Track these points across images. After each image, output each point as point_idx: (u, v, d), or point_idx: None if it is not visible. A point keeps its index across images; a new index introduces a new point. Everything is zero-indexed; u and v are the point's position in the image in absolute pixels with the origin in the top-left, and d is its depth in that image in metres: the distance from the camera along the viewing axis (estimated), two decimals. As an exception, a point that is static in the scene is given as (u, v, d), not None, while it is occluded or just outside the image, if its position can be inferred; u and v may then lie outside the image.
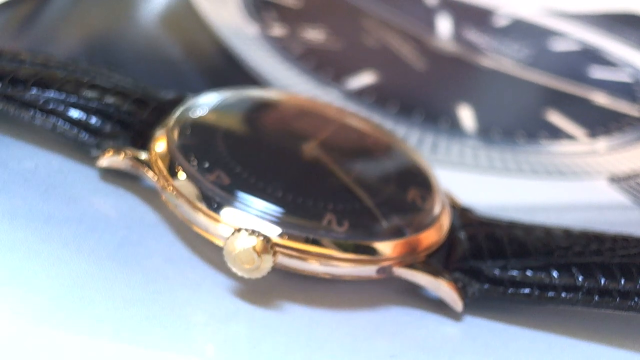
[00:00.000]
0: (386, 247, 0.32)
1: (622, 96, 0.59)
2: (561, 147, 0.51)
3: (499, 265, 0.33)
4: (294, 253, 0.31)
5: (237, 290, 0.32)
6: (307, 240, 0.31)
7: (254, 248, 0.30)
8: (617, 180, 0.47)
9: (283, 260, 0.31)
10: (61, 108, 0.35)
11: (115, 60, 0.49)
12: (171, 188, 0.33)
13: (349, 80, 0.54)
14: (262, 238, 0.30)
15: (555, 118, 0.54)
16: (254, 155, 0.35)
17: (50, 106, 0.35)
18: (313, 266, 0.32)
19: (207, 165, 0.33)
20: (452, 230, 0.35)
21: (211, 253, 0.33)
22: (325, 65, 0.55)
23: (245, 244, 0.30)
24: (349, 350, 0.31)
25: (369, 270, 0.32)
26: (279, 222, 0.31)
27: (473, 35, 0.65)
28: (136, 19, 0.55)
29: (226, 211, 0.31)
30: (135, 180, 0.36)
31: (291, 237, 0.31)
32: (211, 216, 0.32)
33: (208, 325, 0.30)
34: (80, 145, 0.35)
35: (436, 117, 0.51)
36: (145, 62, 0.50)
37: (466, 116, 0.52)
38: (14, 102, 0.35)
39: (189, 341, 0.29)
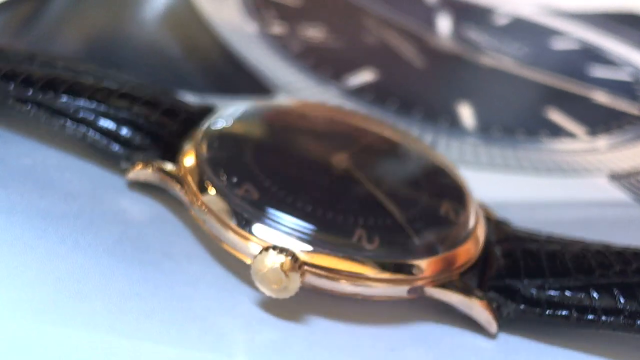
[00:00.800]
0: (418, 266, 0.31)
1: (622, 95, 0.59)
2: (561, 144, 0.50)
3: (536, 284, 0.32)
4: (323, 272, 0.30)
5: (236, 285, 0.32)
6: (336, 259, 0.30)
7: (281, 267, 0.29)
8: (618, 177, 0.47)
9: (311, 279, 0.30)
10: (91, 117, 0.35)
11: (115, 59, 0.49)
12: (200, 203, 0.32)
13: (348, 78, 0.54)
14: (290, 257, 0.29)
15: (556, 116, 0.54)
16: (283, 169, 0.34)
17: (81, 115, 0.35)
18: (342, 286, 0.30)
19: (235, 179, 0.32)
20: (487, 245, 0.34)
21: (210, 248, 0.33)
22: (324, 63, 0.55)
23: (273, 262, 0.29)
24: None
25: (399, 291, 0.31)
26: (307, 238, 0.30)
27: (473, 34, 0.65)
28: (136, 17, 0.55)
29: (255, 228, 0.31)
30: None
31: (320, 255, 0.30)
32: (239, 233, 0.31)
33: (206, 320, 0.30)
34: (110, 156, 0.35)
35: (436, 115, 0.51)
36: (145, 60, 0.50)
37: (466, 114, 0.52)
38: (46, 110, 0.35)
39: (186, 336, 0.29)
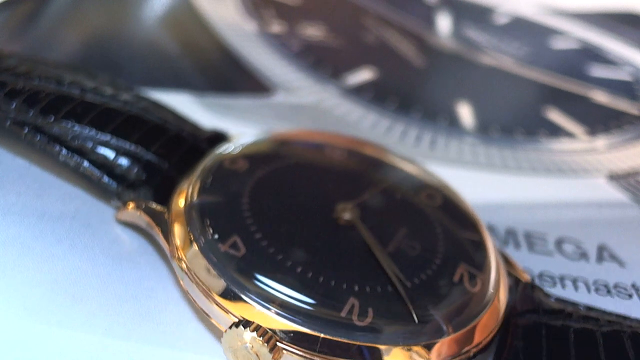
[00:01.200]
0: (418, 352, 0.26)
1: (622, 94, 0.59)
2: (560, 144, 0.50)
3: None
4: (302, 353, 0.26)
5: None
6: (315, 342, 0.26)
7: (252, 346, 0.26)
8: (616, 177, 0.47)
9: (288, 359, 0.26)
10: (89, 145, 0.32)
11: (113, 57, 0.49)
12: (180, 258, 0.29)
13: (347, 77, 0.53)
14: (262, 336, 0.26)
15: (555, 116, 0.54)
16: (277, 219, 0.30)
17: (79, 142, 0.32)
18: None
19: (222, 231, 0.29)
20: (509, 316, 0.29)
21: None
22: (324, 62, 0.55)
23: (243, 341, 0.26)
24: None
25: None
26: (289, 312, 0.26)
27: (473, 33, 0.65)
28: (135, 16, 0.55)
29: (230, 296, 0.27)
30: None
31: (300, 334, 0.26)
32: (215, 300, 0.27)
33: (201, 322, 0.30)
34: (102, 190, 0.33)
35: (435, 114, 0.51)
36: (144, 59, 0.50)
37: (465, 113, 0.52)
38: (43, 135, 0.32)
39: (182, 337, 0.29)
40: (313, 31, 0.59)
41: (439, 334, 0.27)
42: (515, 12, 0.70)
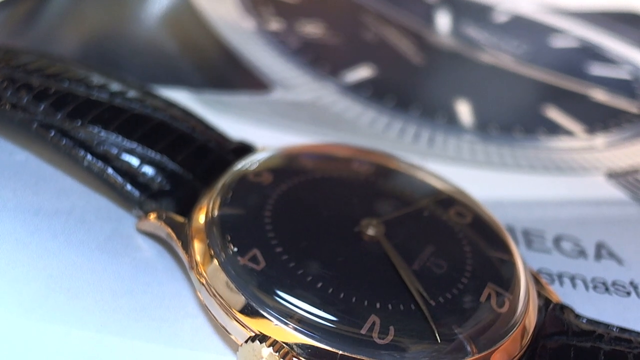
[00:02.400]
0: None
1: (621, 93, 0.58)
2: (559, 142, 0.50)
3: None
4: None
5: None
6: (333, 359, 0.25)
7: None
8: (615, 176, 0.47)
9: None
10: (115, 152, 0.32)
11: (113, 55, 0.49)
12: (200, 273, 0.28)
13: (346, 74, 0.53)
14: (278, 352, 0.25)
15: (554, 114, 0.54)
16: (299, 233, 0.29)
17: (104, 148, 0.32)
18: None
19: (241, 247, 0.28)
20: (537, 337, 0.28)
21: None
22: (322, 59, 0.54)
23: (259, 356, 0.25)
24: None
25: None
26: (307, 327, 0.26)
27: (472, 31, 0.64)
28: (134, 14, 0.55)
29: (248, 310, 0.27)
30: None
31: (317, 351, 0.25)
32: (233, 315, 0.27)
33: (197, 317, 0.30)
34: (125, 198, 0.32)
35: (434, 111, 0.51)
36: (143, 56, 0.50)
37: (464, 111, 0.52)
38: (69, 139, 0.32)
39: (177, 333, 0.29)
40: (312, 29, 0.59)
41: (463, 354, 0.26)
42: (514, 10, 0.70)
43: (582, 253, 0.39)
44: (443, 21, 0.66)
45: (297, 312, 0.26)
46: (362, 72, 0.54)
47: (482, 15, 0.68)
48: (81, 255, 0.31)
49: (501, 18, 0.69)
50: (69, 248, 0.31)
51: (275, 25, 0.58)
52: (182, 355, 0.28)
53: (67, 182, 0.35)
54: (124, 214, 0.34)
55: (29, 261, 0.30)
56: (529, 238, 0.39)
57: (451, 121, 0.50)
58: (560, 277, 0.36)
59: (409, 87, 0.55)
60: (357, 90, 0.52)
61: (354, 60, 0.56)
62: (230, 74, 0.51)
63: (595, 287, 0.36)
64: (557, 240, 0.39)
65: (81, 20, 0.52)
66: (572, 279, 0.36)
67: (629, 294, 0.36)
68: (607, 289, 0.36)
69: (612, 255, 0.39)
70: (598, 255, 0.39)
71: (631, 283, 0.37)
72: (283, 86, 0.50)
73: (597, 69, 0.62)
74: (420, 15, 0.66)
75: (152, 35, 0.53)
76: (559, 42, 0.66)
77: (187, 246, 0.29)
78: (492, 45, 0.62)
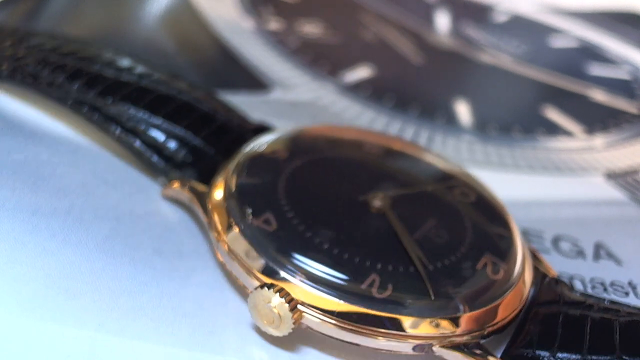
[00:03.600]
0: (430, 323, 0.28)
1: (620, 93, 0.58)
2: (558, 143, 0.50)
3: (569, 359, 0.28)
4: (322, 316, 0.28)
5: (227, 283, 0.32)
6: (339, 304, 0.28)
7: (275, 307, 0.28)
8: (614, 176, 0.47)
9: (309, 321, 0.28)
10: (142, 127, 0.35)
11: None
12: (219, 232, 0.31)
13: (345, 74, 0.53)
14: (284, 297, 0.28)
15: (553, 114, 0.54)
16: (310, 202, 0.32)
17: (133, 123, 0.35)
18: (341, 333, 0.28)
19: (255, 210, 0.31)
20: (531, 307, 0.31)
21: (199, 247, 0.33)
22: (321, 59, 0.54)
23: (267, 301, 0.28)
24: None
25: (404, 347, 0.28)
26: (313, 279, 0.29)
27: (471, 31, 0.64)
28: (133, 12, 0.55)
29: (261, 263, 0.29)
30: (126, 173, 0.36)
31: (322, 299, 0.28)
32: (245, 264, 0.30)
33: (196, 318, 0.30)
34: (151, 168, 0.35)
35: (432, 111, 0.51)
36: (141, 55, 0.50)
37: (463, 111, 0.52)
38: (100, 114, 0.35)
39: (175, 333, 0.29)
40: (311, 28, 0.59)
41: (455, 311, 0.29)
42: (514, 10, 0.70)
43: (580, 253, 0.39)
44: (442, 21, 0.66)
45: (303, 267, 0.29)
46: (361, 72, 0.54)
47: (482, 15, 0.68)
48: (79, 255, 0.31)
49: (501, 18, 0.69)
50: (67, 247, 0.31)
51: (274, 24, 0.58)
52: (179, 355, 0.28)
53: (65, 182, 0.35)
54: (122, 214, 0.34)
55: (27, 260, 0.30)
56: (528, 238, 0.39)
57: (450, 121, 0.50)
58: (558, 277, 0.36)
59: (408, 87, 0.54)
60: (356, 90, 0.52)
61: (353, 60, 0.56)
62: (229, 73, 0.51)
63: (593, 288, 0.36)
64: (556, 241, 0.39)
65: (80, 19, 0.52)
66: (571, 279, 0.36)
67: (627, 294, 0.36)
68: (605, 289, 0.36)
69: (610, 256, 0.39)
70: (597, 256, 0.39)
71: (629, 283, 0.37)
72: (282, 86, 0.50)
73: (597, 69, 0.62)
74: (419, 15, 0.65)
75: (151, 34, 0.53)
76: (558, 42, 0.66)
77: (207, 210, 0.32)
78: (491, 45, 0.62)
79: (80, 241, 0.32)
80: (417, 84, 0.55)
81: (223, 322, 0.30)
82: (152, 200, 0.35)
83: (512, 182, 0.45)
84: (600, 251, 0.39)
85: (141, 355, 0.27)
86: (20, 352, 0.26)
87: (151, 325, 0.29)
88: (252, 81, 0.50)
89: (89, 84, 0.35)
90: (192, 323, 0.29)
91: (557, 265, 0.36)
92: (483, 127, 0.50)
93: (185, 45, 0.53)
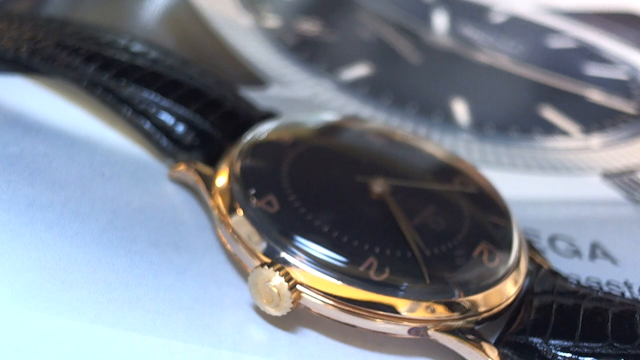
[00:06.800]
0: (425, 307, 0.29)
1: (617, 93, 0.59)
2: (555, 142, 0.50)
3: (562, 346, 0.28)
4: (320, 296, 0.29)
5: (224, 276, 0.32)
6: (336, 285, 0.29)
7: (274, 285, 0.28)
8: (610, 176, 0.47)
9: (307, 301, 0.29)
10: (153, 110, 0.36)
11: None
12: (222, 213, 0.32)
13: (343, 72, 0.53)
14: (284, 276, 0.28)
15: (550, 114, 0.54)
16: (312, 186, 0.33)
17: (144, 106, 0.36)
18: (338, 314, 0.29)
19: (258, 191, 0.32)
20: (526, 296, 0.31)
21: (196, 240, 0.33)
22: (319, 57, 0.54)
23: (266, 279, 0.29)
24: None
25: (399, 329, 0.29)
26: (313, 260, 0.29)
27: (469, 31, 0.64)
28: (131, 9, 0.55)
29: (262, 244, 0.30)
30: (123, 167, 0.36)
31: (320, 279, 0.29)
32: (247, 245, 0.30)
33: (192, 311, 0.30)
34: (159, 150, 0.36)
35: (430, 110, 0.51)
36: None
37: (460, 110, 0.52)
38: (113, 96, 0.36)
39: (171, 325, 0.29)
40: (309, 26, 0.59)
41: (449, 295, 0.29)
42: (511, 10, 0.70)
43: (576, 253, 0.39)
44: (440, 21, 0.66)
45: (303, 248, 0.29)
46: (359, 70, 0.54)
47: (479, 15, 0.68)
48: (75, 247, 0.31)
49: (498, 18, 0.69)
50: (63, 239, 0.31)
51: (272, 22, 0.58)
52: (176, 347, 0.28)
53: (61, 174, 0.34)
54: (119, 206, 0.34)
55: (23, 252, 0.30)
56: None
57: (447, 120, 0.50)
58: (555, 275, 0.36)
59: (406, 85, 0.54)
60: (354, 87, 0.52)
61: (351, 57, 0.56)
62: (226, 70, 0.51)
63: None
64: (552, 240, 0.39)
65: (80, 17, 0.52)
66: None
67: (623, 294, 0.36)
68: (601, 289, 0.36)
69: (606, 255, 0.39)
70: (593, 255, 0.39)
71: (625, 283, 0.37)
72: (280, 83, 0.50)
73: (594, 69, 0.62)
74: (417, 15, 0.65)
75: (149, 30, 0.53)
76: (555, 43, 0.66)
77: (212, 191, 0.33)
78: (488, 45, 0.62)
79: (77, 233, 0.32)
80: (415, 83, 0.55)
81: (219, 315, 0.30)
82: (149, 193, 0.35)
83: (509, 182, 0.45)
84: (596, 251, 0.39)
85: (137, 347, 0.27)
86: (15, 343, 0.26)
87: (147, 318, 0.29)
88: (249, 78, 0.50)
89: (104, 67, 0.37)
90: (189, 316, 0.29)
91: (553, 264, 0.36)
92: (480, 126, 0.50)
93: (183, 41, 0.53)
